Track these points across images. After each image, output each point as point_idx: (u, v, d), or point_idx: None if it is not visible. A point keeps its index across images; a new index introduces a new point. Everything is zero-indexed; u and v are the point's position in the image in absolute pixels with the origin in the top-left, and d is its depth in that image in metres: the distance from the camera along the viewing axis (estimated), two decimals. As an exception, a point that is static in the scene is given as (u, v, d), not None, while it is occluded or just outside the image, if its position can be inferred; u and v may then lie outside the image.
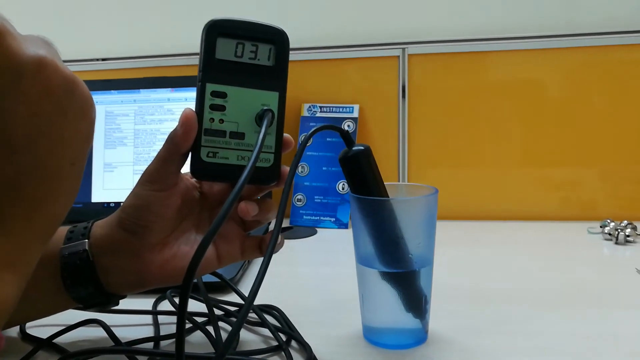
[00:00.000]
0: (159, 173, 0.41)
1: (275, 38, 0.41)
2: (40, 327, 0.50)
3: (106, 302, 0.44)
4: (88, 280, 0.42)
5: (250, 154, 0.38)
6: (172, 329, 0.51)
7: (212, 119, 0.40)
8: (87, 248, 0.42)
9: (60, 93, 0.29)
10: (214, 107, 0.40)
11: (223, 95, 0.40)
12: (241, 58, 0.40)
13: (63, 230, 0.44)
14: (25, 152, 0.29)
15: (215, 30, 0.40)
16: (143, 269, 0.42)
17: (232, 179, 0.40)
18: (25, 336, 0.49)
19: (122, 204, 0.43)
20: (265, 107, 0.41)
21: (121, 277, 0.43)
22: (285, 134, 0.43)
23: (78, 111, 0.31)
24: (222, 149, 0.40)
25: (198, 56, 0.41)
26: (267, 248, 0.42)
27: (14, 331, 0.50)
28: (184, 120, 0.39)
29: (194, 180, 0.45)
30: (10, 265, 0.29)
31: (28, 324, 0.51)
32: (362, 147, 0.45)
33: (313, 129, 0.44)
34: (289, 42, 0.42)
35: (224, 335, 0.49)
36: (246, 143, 0.40)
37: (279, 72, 0.41)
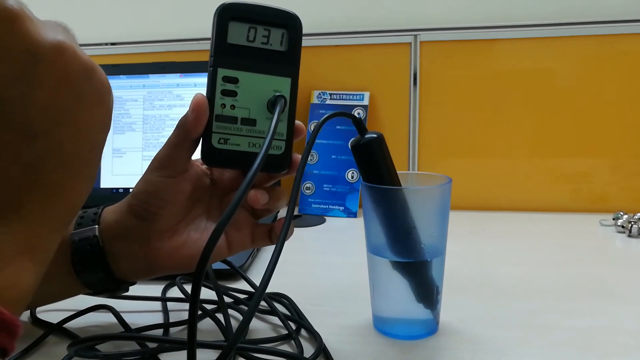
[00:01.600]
0: (170, 159, 0.41)
1: (288, 22, 0.40)
2: (51, 312, 0.50)
3: (116, 289, 0.44)
4: (98, 266, 0.42)
5: (262, 141, 0.38)
6: (182, 316, 0.51)
7: (224, 105, 0.39)
8: (97, 234, 0.42)
9: (78, 79, 0.29)
10: (225, 93, 0.39)
11: (235, 80, 0.39)
12: (253, 43, 0.40)
13: None
14: (44, 138, 0.28)
15: (227, 14, 0.39)
16: (153, 256, 0.42)
17: (243, 166, 0.39)
18: (35, 320, 0.50)
19: (132, 190, 0.42)
20: (277, 94, 0.40)
21: (131, 263, 0.43)
22: (297, 121, 0.42)
23: (96, 97, 0.30)
24: (233, 136, 0.39)
25: (208, 41, 0.40)
26: (277, 236, 0.41)
27: (24, 316, 0.50)
28: (195, 106, 0.39)
29: (204, 167, 0.45)
30: (29, 252, 0.28)
31: (38, 309, 0.51)
32: (375, 135, 0.44)
33: (325, 116, 0.43)
34: (302, 26, 0.41)
35: (233, 323, 0.49)
36: (258, 130, 0.40)
37: (291, 58, 0.40)
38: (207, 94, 0.39)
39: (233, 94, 0.39)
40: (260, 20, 0.40)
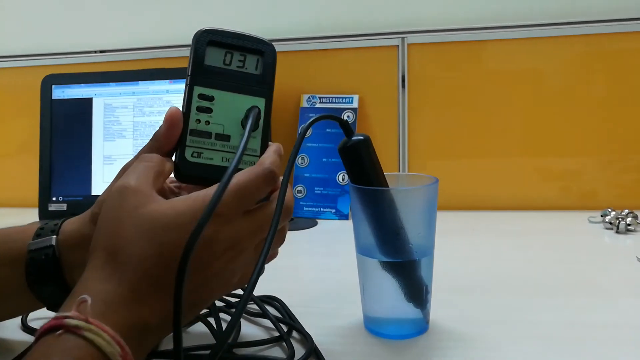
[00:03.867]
0: None
1: (263, 49, 0.42)
2: (43, 320, 0.50)
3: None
4: (52, 278, 0.41)
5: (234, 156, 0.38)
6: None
7: (199, 120, 0.40)
8: (53, 244, 0.41)
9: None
10: (200, 109, 0.40)
11: (210, 98, 0.40)
12: (229, 66, 0.41)
13: (34, 227, 0.43)
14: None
15: (205, 39, 0.40)
16: None
17: (216, 180, 0.39)
18: (27, 328, 0.50)
19: (97, 198, 0.41)
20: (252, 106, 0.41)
21: None
22: (271, 142, 0.42)
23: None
24: (207, 150, 0.40)
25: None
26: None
27: (14, 323, 0.50)
28: (168, 118, 0.39)
29: (173, 185, 0.44)
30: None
31: (30, 316, 0.51)
32: (362, 137, 0.45)
33: (312, 119, 0.43)
34: (276, 54, 0.42)
35: (225, 327, 0.49)
36: (231, 145, 0.40)
37: (265, 81, 0.42)
38: (182, 110, 0.40)
39: (208, 110, 0.40)
40: (237, 46, 0.41)
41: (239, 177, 0.35)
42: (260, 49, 0.41)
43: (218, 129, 0.40)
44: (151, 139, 0.40)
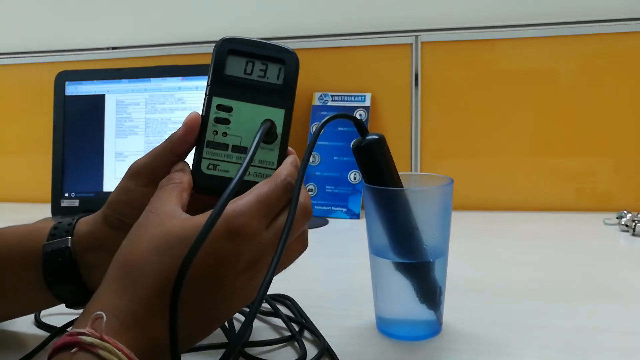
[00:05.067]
0: (147, 167, 0.40)
1: (286, 58, 0.41)
2: (55, 316, 0.50)
3: (89, 300, 0.44)
4: (70, 278, 0.41)
5: (253, 169, 0.38)
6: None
7: (216, 132, 0.39)
8: (69, 245, 0.41)
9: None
10: (218, 120, 0.39)
11: (229, 109, 0.39)
12: (250, 76, 0.40)
13: (48, 226, 0.43)
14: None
15: (226, 48, 0.40)
16: None
17: None
18: (40, 324, 0.50)
19: (108, 199, 0.41)
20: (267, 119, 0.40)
21: (104, 274, 0.42)
22: (289, 148, 0.41)
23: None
24: (223, 162, 0.39)
25: (210, 44, 0.40)
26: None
27: (28, 319, 0.51)
28: (187, 122, 0.39)
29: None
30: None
31: (42, 312, 0.51)
32: (377, 136, 0.44)
33: (326, 118, 0.43)
34: (299, 62, 0.41)
35: (236, 325, 0.49)
36: None
37: (287, 92, 0.41)
38: (201, 122, 0.39)
39: (226, 121, 0.39)
40: (258, 55, 0.40)
41: (259, 190, 0.35)
42: (283, 58, 0.40)
43: (235, 140, 0.39)
44: (166, 140, 0.40)
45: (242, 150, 0.39)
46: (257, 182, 0.36)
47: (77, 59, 1.09)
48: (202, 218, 0.33)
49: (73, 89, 0.97)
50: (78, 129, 0.96)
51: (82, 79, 0.97)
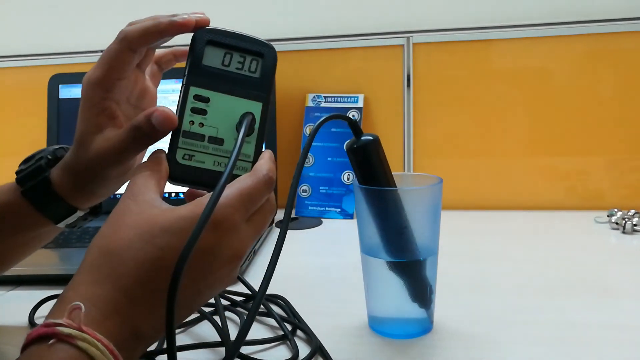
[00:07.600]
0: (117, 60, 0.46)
1: (264, 51, 0.41)
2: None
3: (72, 212, 0.45)
4: (43, 185, 0.44)
5: (228, 160, 0.38)
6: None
7: (192, 122, 0.39)
8: (42, 164, 0.46)
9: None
10: (195, 111, 0.39)
11: (206, 99, 0.39)
12: (228, 67, 0.40)
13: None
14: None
15: (205, 38, 0.40)
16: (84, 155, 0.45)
17: (206, 184, 0.39)
18: (33, 326, 0.50)
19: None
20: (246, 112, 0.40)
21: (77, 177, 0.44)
22: (269, 150, 0.41)
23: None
24: (198, 153, 0.39)
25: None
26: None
27: (22, 321, 0.51)
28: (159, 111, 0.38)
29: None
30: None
31: (37, 314, 0.51)
32: (371, 137, 0.45)
33: (321, 119, 0.43)
34: (277, 56, 0.41)
35: (230, 325, 0.49)
36: (224, 149, 0.39)
37: (264, 85, 0.41)
38: (177, 110, 0.39)
39: (203, 112, 0.39)
40: (237, 47, 0.40)
41: (241, 183, 0.35)
42: (261, 51, 0.41)
43: (212, 131, 0.39)
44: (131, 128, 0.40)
45: (219, 141, 0.39)
46: (235, 175, 0.36)
47: (70, 61, 1.08)
48: (185, 209, 0.33)
49: (67, 91, 0.97)
50: (72, 131, 0.96)
51: (76, 82, 0.97)
